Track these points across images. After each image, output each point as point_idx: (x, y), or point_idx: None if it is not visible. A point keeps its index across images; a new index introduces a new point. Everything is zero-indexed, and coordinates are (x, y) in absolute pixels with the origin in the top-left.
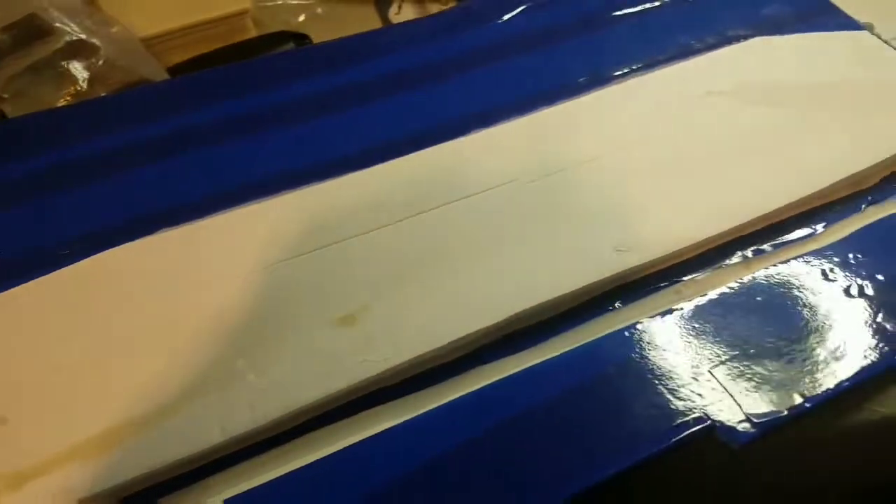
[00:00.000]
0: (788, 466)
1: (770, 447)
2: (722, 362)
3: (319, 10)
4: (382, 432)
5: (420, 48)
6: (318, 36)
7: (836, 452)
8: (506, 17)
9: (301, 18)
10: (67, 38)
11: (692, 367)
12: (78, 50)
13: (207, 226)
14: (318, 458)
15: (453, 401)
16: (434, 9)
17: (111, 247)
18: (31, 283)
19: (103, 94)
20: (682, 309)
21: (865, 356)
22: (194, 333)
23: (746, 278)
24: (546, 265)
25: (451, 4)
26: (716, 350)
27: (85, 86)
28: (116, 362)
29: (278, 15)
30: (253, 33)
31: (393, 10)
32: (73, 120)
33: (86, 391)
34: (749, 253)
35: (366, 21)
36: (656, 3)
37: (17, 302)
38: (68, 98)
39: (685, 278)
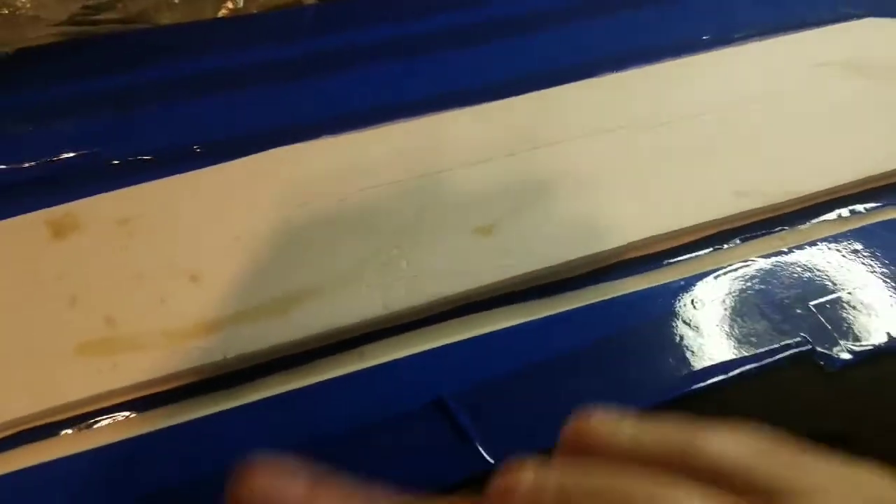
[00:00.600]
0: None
1: (862, 376)
2: (822, 299)
3: None
4: (512, 327)
5: None
6: None
7: None
8: None
9: None
10: None
11: (796, 300)
12: None
13: (366, 136)
14: (452, 342)
15: (578, 308)
16: None
17: (264, 149)
18: (198, 172)
19: (255, 12)
20: (786, 252)
21: None
22: (358, 225)
23: (847, 232)
24: (668, 200)
25: None
26: (816, 289)
27: (241, 2)
28: (290, 245)
29: None
30: None
31: None
32: (226, 31)
33: (268, 260)
34: (846, 211)
35: None
36: None
37: (195, 182)
38: (226, 11)
39: (788, 228)
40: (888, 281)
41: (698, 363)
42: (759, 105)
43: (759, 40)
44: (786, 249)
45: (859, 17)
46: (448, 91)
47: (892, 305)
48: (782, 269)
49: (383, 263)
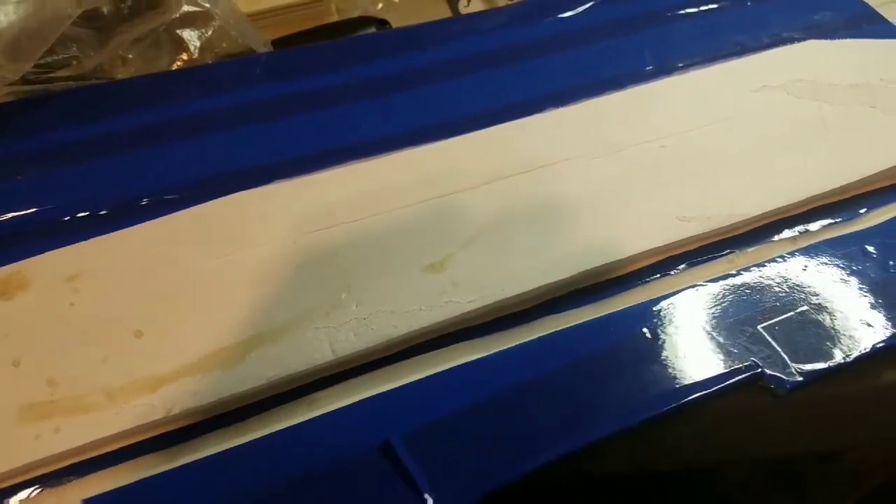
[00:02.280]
0: (825, 417)
1: (811, 398)
2: (771, 321)
3: (396, 0)
4: (463, 365)
5: (495, 35)
6: (395, 22)
7: (869, 406)
8: (572, 12)
9: (378, 7)
10: (184, 9)
11: (745, 323)
12: (192, 20)
13: (316, 180)
14: (403, 384)
15: (524, 343)
16: (501, 2)
17: (218, 196)
18: (148, 224)
19: (210, 62)
20: (735, 275)
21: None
22: (307, 269)
23: (796, 252)
24: (615, 229)
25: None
26: (766, 311)
27: (196, 53)
28: (241, 291)
29: (359, 3)
30: (335, 18)
31: (462, 2)
32: (181, 82)
33: (215, 310)
34: (796, 231)
35: (438, 12)
36: (717, 5)
37: (145, 234)
38: (180, 63)
39: (738, 250)
40: (836, 300)
41: (649, 392)
42: (701, 132)
43: (701, 68)
44: (734, 272)
45: (800, 40)
46: (396, 133)
47: (840, 325)
48: (731, 293)
49: (333, 307)
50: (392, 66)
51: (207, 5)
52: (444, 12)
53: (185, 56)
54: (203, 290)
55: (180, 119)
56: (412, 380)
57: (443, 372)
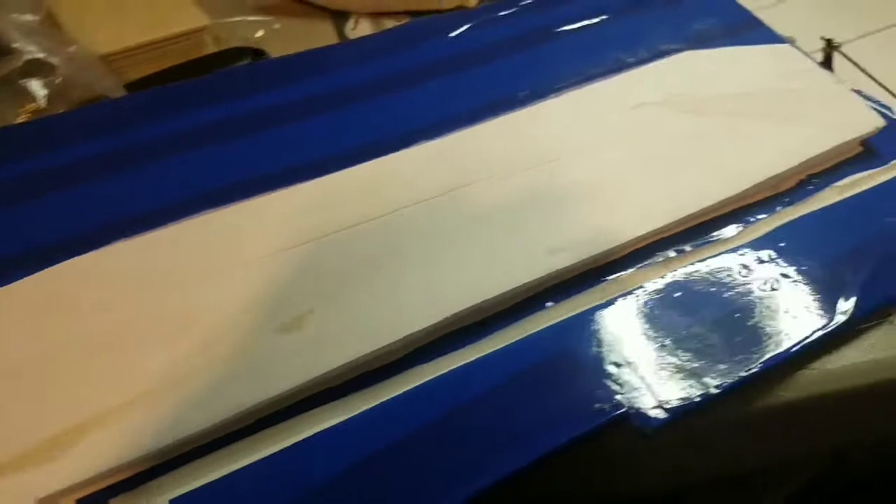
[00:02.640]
0: (698, 451)
1: (680, 432)
2: (640, 355)
3: (277, 26)
4: (326, 430)
5: (371, 63)
6: (277, 51)
7: (744, 436)
8: (454, 32)
9: (259, 34)
10: (26, 58)
11: (613, 359)
12: (36, 69)
13: (160, 237)
14: (262, 457)
15: (391, 399)
16: (390, 24)
17: (64, 259)
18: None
19: (62, 111)
20: (605, 306)
21: (772, 346)
22: (149, 340)
23: (668, 276)
24: (482, 268)
25: (406, 21)
26: (635, 343)
27: (44, 103)
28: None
29: (237, 31)
30: (211, 49)
31: (349, 25)
32: (29, 135)
33: (39, 396)
34: (672, 252)
35: (323, 36)
36: (594, 21)
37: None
38: (27, 115)
39: (610, 277)
40: (707, 326)
41: (515, 442)
42: (576, 156)
43: (578, 88)
44: (604, 302)
45: (679, 51)
46: (264, 174)
47: (706, 359)
48: (599, 326)
49: (182, 377)
50: (265, 100)
51: (45, 55)
52: (331, 35)
53: (33, 106)
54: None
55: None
56: (267, 453)
57: (304, 441)
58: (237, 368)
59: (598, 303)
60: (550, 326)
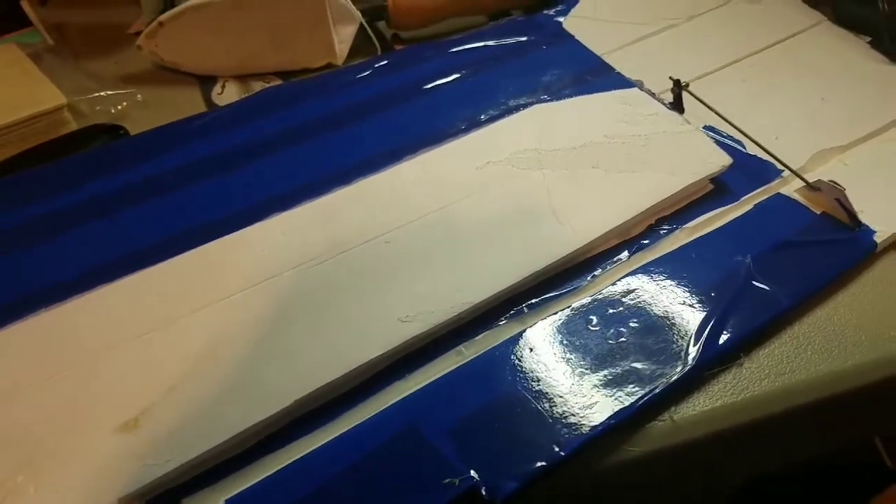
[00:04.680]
0: None
1: (533, 498)
2: (489, 424)
3: (140, 97)
4: None
5: (223, 135)
6: (141, 123)
7: (596, 494)
8: (307, 100)
9: (122, 106)
10: None
11: (462, 427)
12: None
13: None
14: None
15: (239, 493)
16: (258, 86)
17: None
18: None
19: None
20: (457, 370)
21: (619, 399)
22: None
23: (518, 335)
24: (334, 343)
25: (275, 82)
26: (482, 410)
27: None
28: None
29: (98, 104)
30: (73, 126)
31: (216, 90)
32: None
33: None
34: (523, 310)
35: (189, 104)
36: (446, 80)
37: None
38: None
39: (467, 341)
40: (557, 383)
41: None
42: (424, 221)
43: (428, 151)
44: (455, 367)
45: (528, 105)
46: (112, 259)
47: (551, 423)
48: (452, 392)
49: (7, 494)
50: (119, 180)
51: None
52: (197, 101)
53: None
54: None
55: None
56: None
57: None
58: (73, 478)
59: (455, 365)
60: (404, 399)
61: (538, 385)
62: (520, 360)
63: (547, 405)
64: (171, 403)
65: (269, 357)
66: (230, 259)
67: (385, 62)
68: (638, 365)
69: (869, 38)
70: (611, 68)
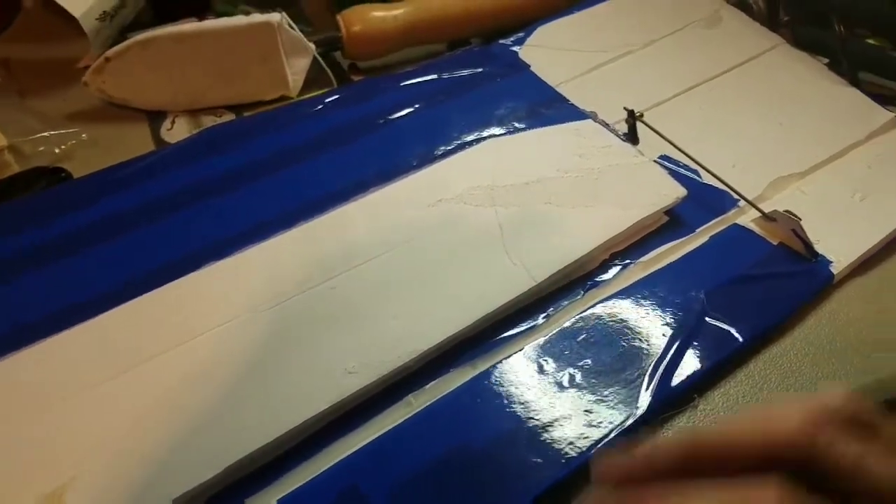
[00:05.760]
0: None
1: None
2: (436, 478)
3: (85, 136)
4: None
5: (167, 176)
6: (88, 162)
7: None
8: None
9: (67, 145)
10: None
11: (408, 487)
12: None
13: None
14: None
15: None
16: (209, 121)
17: None
18: None
19: None
20: (409, 424)
21: (571, 449)
22: None
23: (469, 382)
24: (270, 404)
25: (227, 116)
26: (432, 463)
27: None
28: None
29: (42, 145)
30: (15, 168)
31: (166, 125)
32: None
33: None
34: (474, 357)
35: (137, 141)
36: (398, 115)
37: None
38: None
39: (416, 390)
40: (504, 435)
41: None
42: (372, 264)
43: (378, 190)
44: (403, 420)
45: (481, 140)
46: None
47: (503, 476)
48: (398, 448)
49: None
50: (56, 228)
51: None
52: (145, 138)
53: None
54: None
55: None
56: None
57: None
58: None
59: (403, 418)
60: (348, 458)
61: (488, 437)
62: (469, 410)
63: (497, 459)
64: (99, 473)
65: (201, 422)
66: (165, 314)
67: (336, 97)
68: (590, 411)
69: (827, 60)
70: (565, 99)
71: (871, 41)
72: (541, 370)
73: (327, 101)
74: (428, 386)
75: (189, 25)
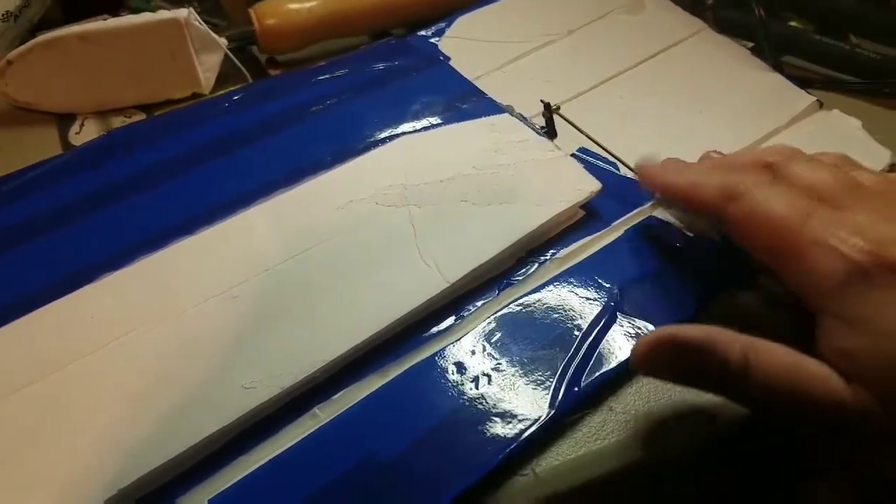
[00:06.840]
0: None
1: None
2: (342, 495)
3: None
4: None
5: (67, 182)
6: None
7: None
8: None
9: None
10: None
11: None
12: None
13: None
14: None
15: None
16: (118, 122)
17: None
18: None
19: None
20: (314, 438)
21: (480, 456)
22: None
23: (379, 391)
24: (161, 425)
25: (137, 116)
26: (339, 480)
27: None
28: None
29: None
30: None
31: (74, 129)
32: None
33: None
34: (384, 364)
35: (46, 144)
36: (309, 111)
37: None
38: None
39: (322, 402)
40: (402, 458)
41: None
42: (276, 271)
43: (284, 192)
44: (308, 434)
45: (395, 137)
46: None
47: (416, 484)
48: (302, 464)
49: None
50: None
51: None
52: (53, 142)
53: None
54: None
55: None
56: None
57: None
58: None
59: (301, 437)
60: (245, 478)
61: (396, 449)
62: (378, 420)
63: (411, 467)
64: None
65: (86, 445)
66: (47, 334)
67: (243, 94)
68: (500, 415)
69: (752, 45)
70: (482, 93)
71: (794, 23)
72: (454, 374)
73: (235, 98)
74: (336, 396)
75: (95, 24)
